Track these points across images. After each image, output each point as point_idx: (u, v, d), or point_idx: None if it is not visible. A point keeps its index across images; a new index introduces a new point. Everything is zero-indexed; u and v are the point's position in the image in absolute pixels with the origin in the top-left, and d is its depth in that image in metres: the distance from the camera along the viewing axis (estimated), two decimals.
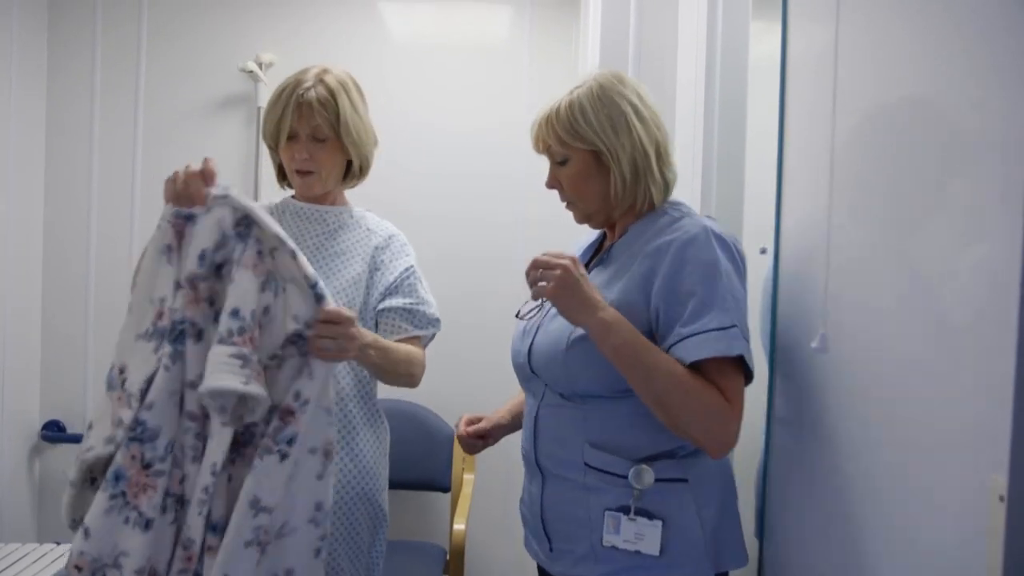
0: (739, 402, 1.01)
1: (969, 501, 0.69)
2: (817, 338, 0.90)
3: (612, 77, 1.15)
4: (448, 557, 2.23)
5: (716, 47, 1.54)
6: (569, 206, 1.20)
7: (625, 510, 1.06)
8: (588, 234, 1.28)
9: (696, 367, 1.00)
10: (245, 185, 2.48)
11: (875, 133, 0.88)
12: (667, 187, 1.15)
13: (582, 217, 1.20)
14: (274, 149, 1.44)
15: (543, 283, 1.04)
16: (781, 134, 1.18)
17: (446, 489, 2.34)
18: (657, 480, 1.05)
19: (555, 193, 2.94)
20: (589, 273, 1.14)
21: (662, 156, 1.14)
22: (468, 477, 2.38)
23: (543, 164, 2.49)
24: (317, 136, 1.38)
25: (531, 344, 1.16)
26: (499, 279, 2.50)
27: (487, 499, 2.49)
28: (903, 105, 0.83)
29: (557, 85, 2.71)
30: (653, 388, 1.01)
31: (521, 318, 1.23)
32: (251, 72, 2.41)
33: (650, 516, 1.06)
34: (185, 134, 2.50)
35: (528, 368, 1.17)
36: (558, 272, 1.03)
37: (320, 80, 1.38)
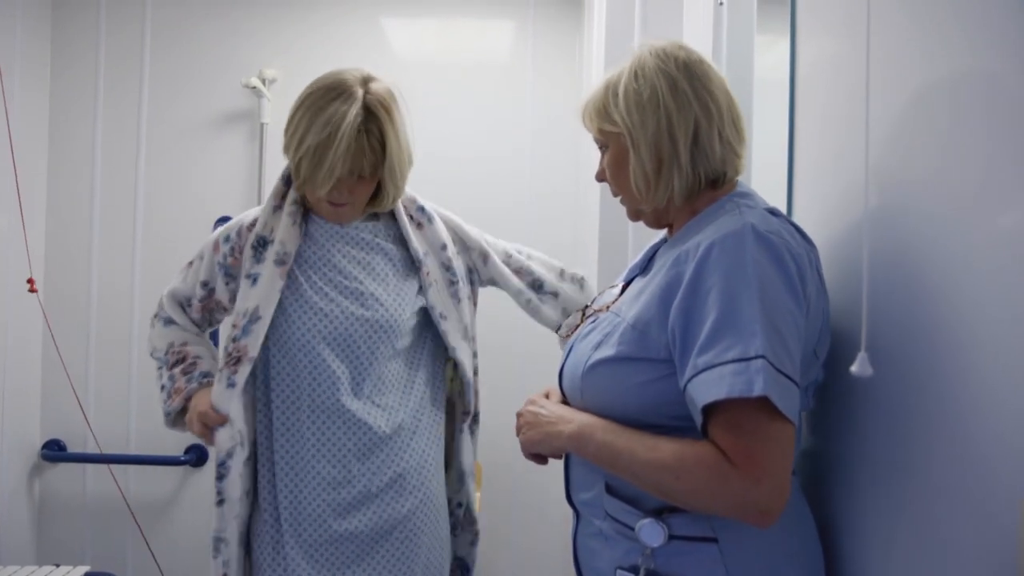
0: (760, 459, 0.78)
1: (994, 527, 0.67)
2: (856, 361, 0.77)
3: (663, 49, 0.96)
4: None
5: (721, 61, 1.54)
6: (621, 201, 1.04)
7: (635, 570, 0.90)
8: (654, 240, 1.11)
9: (711, 411, 0.81)
10: (248, 202, 2.47)
11: (907, 129, 0.86)
12: (700, 181, 0.94)
13: (630, 213, 1.03)
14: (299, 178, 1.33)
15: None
16: (791, 146, 1.17)
17: None
18: (676, 538, 0.88)
19: (562, 214, 2.92)
20: (628, 286, 1.05)
21: (700, 141, 0.92)
22: (475, 495, 2.35)
23: (548, 184, 2.52)
24: (360, 175, 1.31)
25: (563, 365, 1.04)
26: (502, 301, 2.48)
27: (495, 516, 2.46)
28: (938, 104, 0.82)
29: (561, 101, 2.71)
30: (647, 484, 0.86)
31: (561, 336, 1.13)
32: (254, 88, 2.42)
33: None
34: (188, 150, 2.50)
35: (561, 391, 1.04)
36: (519, 421, 1.03)
37: (368, 110, 1.28)
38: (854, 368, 0.77)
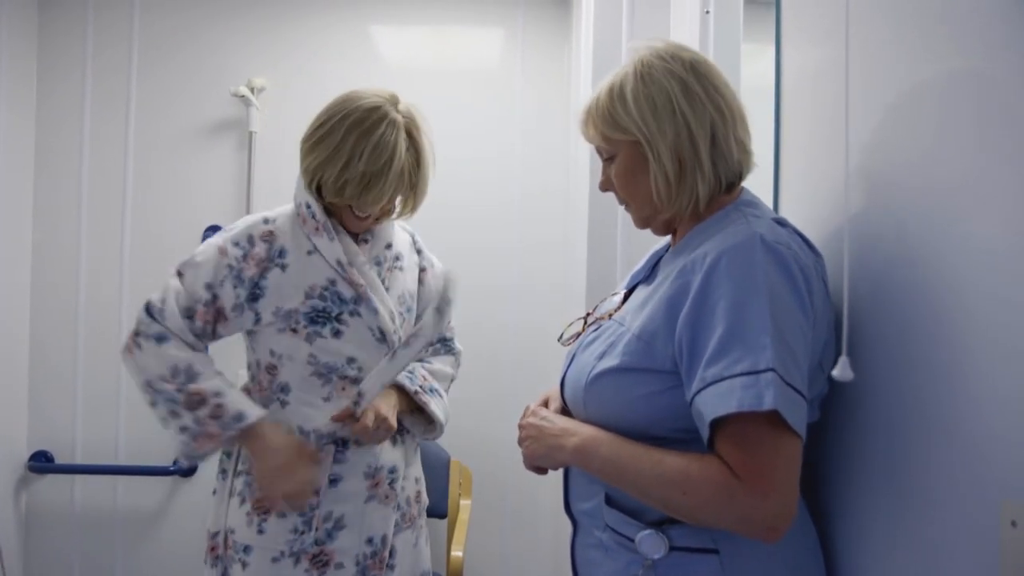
0: (768, 474, 0.77)
1: (980, 528, 0.67)
2: (838, 364, 0.77)
3: (665, 51, 0.94)
4: None
5: None
6: (627, 210, 1.02)
7: None
8: (656, 247, 1.10)
9: (719, 424, 0.80)
10: (237, 211, 2.46)
11: (891, 136, 0.87)
12: (721, 183, 0.93)
13: (639, 222, 1.01)
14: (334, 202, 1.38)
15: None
16: (777, 152, 1.18)
17: (443, 515, 2.31)
18: (677, 549, 0.87)
19: (551, 219, 2.93)
20: (632, 293, 1.03)
21: (718, 143, 0.91)
22: (465, 503, 2.35)
23: (537, 189, 2.52)
24: (401, 195, 1.42)
25: (564, 374, 1.02)
26: (494, 308, 2.49)
27: (484, 525, 2.45)
28: (913, 102, 0.82)
29: (550, 105, 2.71)
30: (653, 499, 0.86)
31: (563, 343, 1.09)
32: (243, 97, 2.41)
33: None
34: (177, 159, 2.49)
35: (563, 401, 1.03)
36: (522, 433, 1.02)
37: (408, 134, 1.37)
38: (835, 372, 0.77)
